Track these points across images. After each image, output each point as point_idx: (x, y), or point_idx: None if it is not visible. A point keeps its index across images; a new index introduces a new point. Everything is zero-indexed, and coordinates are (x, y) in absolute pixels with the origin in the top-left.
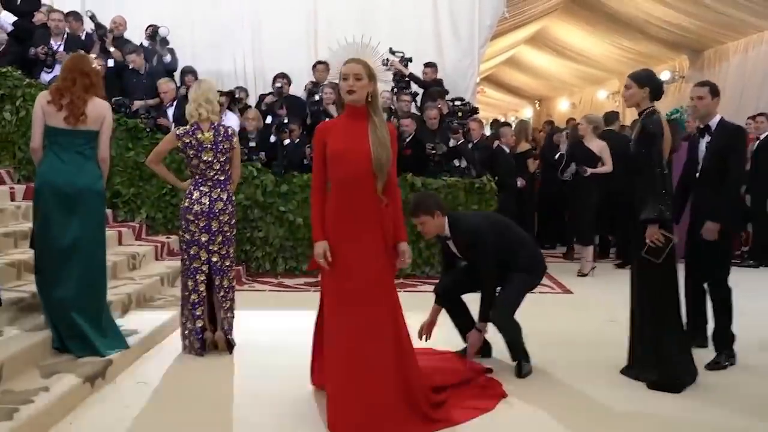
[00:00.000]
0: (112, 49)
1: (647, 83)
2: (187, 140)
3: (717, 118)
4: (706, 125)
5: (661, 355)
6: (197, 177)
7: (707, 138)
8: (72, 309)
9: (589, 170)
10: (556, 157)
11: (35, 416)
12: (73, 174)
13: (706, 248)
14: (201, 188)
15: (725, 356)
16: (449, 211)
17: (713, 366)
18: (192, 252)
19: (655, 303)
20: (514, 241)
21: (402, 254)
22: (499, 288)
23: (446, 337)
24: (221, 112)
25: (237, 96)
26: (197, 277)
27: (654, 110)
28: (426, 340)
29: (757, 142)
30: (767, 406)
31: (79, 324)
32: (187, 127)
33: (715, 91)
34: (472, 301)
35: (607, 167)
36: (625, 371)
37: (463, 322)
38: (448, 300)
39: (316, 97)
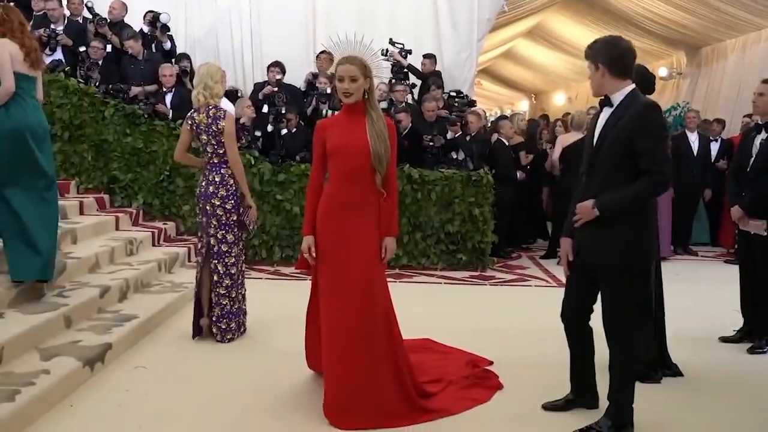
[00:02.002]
0: (109, 35)
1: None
2: (190, 122)
3: None
4: (766, 122)
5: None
6: (204, 159)
7: (764, 135)
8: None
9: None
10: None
11: (36, 398)
12: (40, 115)
13: (758, 241)
14: (204, 170)
15: (765, 341)
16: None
17: (753, 350)
18: (199, 233)
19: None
20: None
21: (383, 249)
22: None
23: (443, 328)
24: None
25: (238, 94)
26: (199, 258)
27: None
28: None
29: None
30: None
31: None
32: (192, 110)
33: None
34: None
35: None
36: None
37: (583, 374)
38: (574, 329)
39: (328, 90)
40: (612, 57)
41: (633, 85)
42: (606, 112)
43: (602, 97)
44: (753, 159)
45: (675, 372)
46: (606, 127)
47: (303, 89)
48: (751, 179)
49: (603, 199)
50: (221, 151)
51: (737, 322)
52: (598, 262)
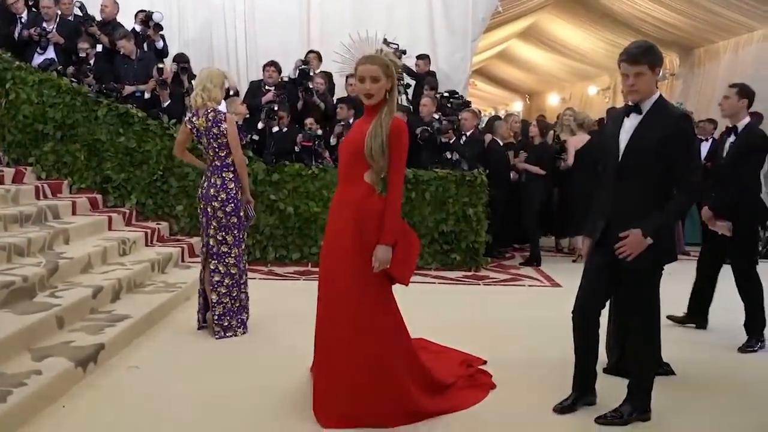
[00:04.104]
0: (98, 35)
1: None
2: (190, 126)
3: (745, 121)
4: (734, 126)
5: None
6: (206, 161)
7: (732, 137)
8: None
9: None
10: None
11: (28, 399)
12: None
13: (726, 240)
14: (206, 172)
15: (755, 340)
16: None
17: (744, 349)
18: (200, 232)
19: None
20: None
21: (374, 257)
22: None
23: (437, 327)
24: None
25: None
26: (201, 256)
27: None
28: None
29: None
30: None
31: None
32: (191, 112)
33: (743, 93)
34: None
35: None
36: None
37: (588, 373)
38: (587, 325)
39: (311, 85)
40: (662, 61)
41: (659, 92)
42: (633, 119)
43: (627, 104)
44: (722, 161)
45: (667, 371)
46: (636, 135)
47: (293, 77)
48: (717, 181)
49: (651, 226)
50: (222, 154)
51: (729, 320)
52: (634, 264)
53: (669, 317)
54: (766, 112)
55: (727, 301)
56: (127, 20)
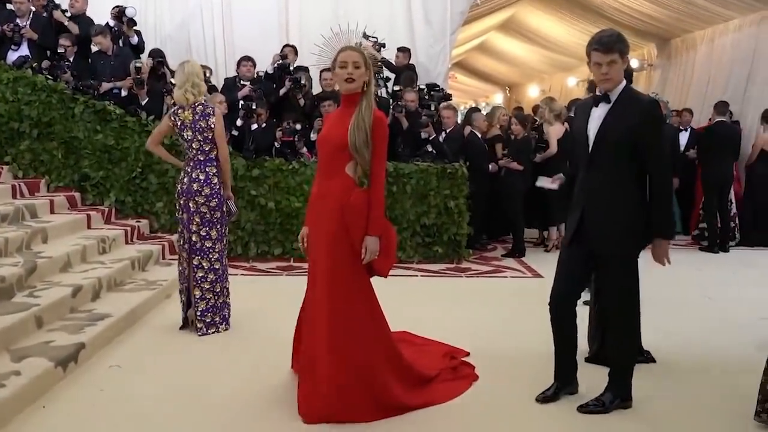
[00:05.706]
0: (66, 22)
1: None
2: (174, 119)
3: None
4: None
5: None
6: (186, 156)
7: None
8: None
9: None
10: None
11: (7, 400)
12: None
13: None
14: (186, 168)
15: None
16: None
17: None
18: (179, 229)
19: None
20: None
21: (363, 248)
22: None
23: (420, 320)
24: None
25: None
26: (182, 253)
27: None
28: None
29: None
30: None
31: None
32: (176, 106)
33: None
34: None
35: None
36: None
37: (567, 361)
38: (563, 315)
39: (302, 80)
40: (629, 49)
41: (625, 81)
42: (602, 108)
43: (595, 94)
44: None
45: (648, 359)
46: (606, 124)
47: (270, 72)
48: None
49: (661, 227)
50: (206, 148)
51: (709, 308)
52: (610, 253)
53: None
54: (740, 101)
55: (708, 290)
56: (102, 18)
